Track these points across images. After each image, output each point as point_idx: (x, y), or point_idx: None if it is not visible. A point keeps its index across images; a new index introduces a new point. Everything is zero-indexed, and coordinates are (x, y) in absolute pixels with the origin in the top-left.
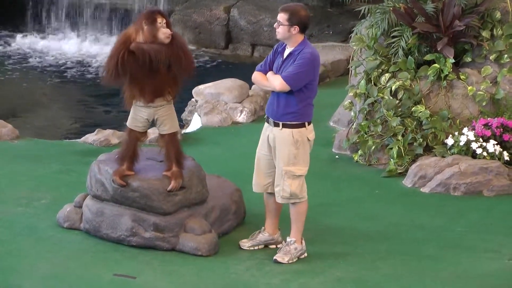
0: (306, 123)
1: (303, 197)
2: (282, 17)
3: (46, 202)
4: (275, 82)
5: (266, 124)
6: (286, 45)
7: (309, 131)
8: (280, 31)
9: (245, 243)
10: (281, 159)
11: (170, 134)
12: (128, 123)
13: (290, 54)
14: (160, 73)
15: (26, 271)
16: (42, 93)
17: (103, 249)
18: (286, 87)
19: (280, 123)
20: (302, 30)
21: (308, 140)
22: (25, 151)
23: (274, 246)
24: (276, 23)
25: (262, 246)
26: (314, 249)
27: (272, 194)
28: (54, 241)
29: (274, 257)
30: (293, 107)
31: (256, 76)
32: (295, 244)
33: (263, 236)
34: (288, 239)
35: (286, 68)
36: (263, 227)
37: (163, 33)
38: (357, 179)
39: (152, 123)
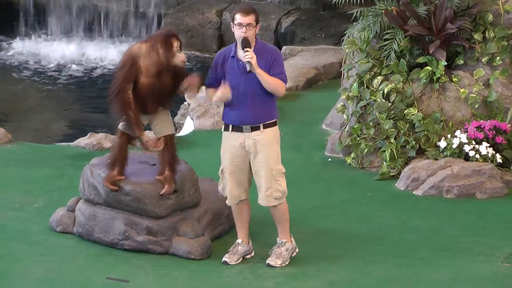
0: (276, 120)
1: (286, 194)
2: (251, 19)
3: (38, 206)
4: (281, 87)
5: (234, 134)
6: (234, 50)
7: (278, 127)
8: (249, 34)
9: (232, 259)
10: (270, 160)
11: (166, 137)
12: (120, 126)
13: (256, 53)
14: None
15: (19, 275)
16: (34, 97)
17: (96, 252)
18: (285, 90)
19: (261, 125)
20: None
21: (280, 135)
22: (18, 155)
23: (249, 256)
24: (245, 26)
25: (241, 259)
26: (307, 252)
27: (243, 201)
28: (47, 245)
29: (267, 261)
30: (271, 106)
31: (277, 82)
32: (286, 244)
33: (242, 248)
34: (278, 241)
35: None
36: (239, 240)
37: (179, 59)
38: (350, 182)
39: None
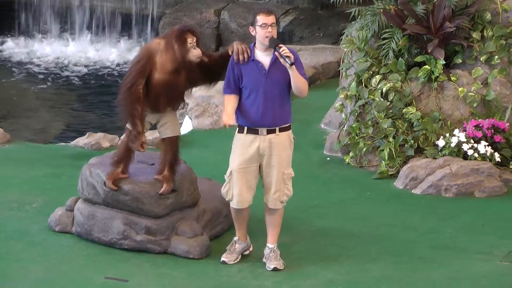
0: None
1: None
2: (274, 18)
3: (37, 206)
4: (307, 87)
5: (249, 136)
6: (252, 52)
7: (291, 131)
8: (274, 33)
9: (230, 258)
10: (282, 164)
11: (170, 138)
12: (128, 124)
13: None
14: (178, 90)
15: (18, 275)
16: (33, 97)
17: (95, 252)
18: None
19: (277, 129)
20: None
21: (294, 139)
22: (16, 155)
23: (247, 252)
24: (270, 25)
25: (240, 257)
26: (306, 251)
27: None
28: (45, 245)
29: (272, 266)
30: (287, 110)
31: (305, 81)
32: (277, 249)
33: (240, 245)
34: (271, 246)
35: (282, 68)
36: (236, 238)
37: (194, 55)
38: (348, 181)
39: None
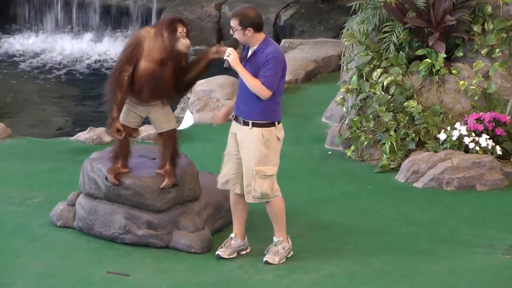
0: (276, 122)
1: (275, 195)
2: (234, 22)
3: (38, 201)
4: (261, 90)
5: (234, 122)
6: (248, 48)
7: (278, 130)
8: (237, 36)
9: (224, 252)
10: (251, 159)
11: (167, 132)
12: (120, 119)
13: (253, 53)
14: (163, 81)
15: (19, 270)
16: (33, 91)
17: (97, 247)
18: (269, 93)
19: (250, 122)
20: (257, 29)
21: (278, 139)
22: (17, 150)
23: (244, 252)
24: (231, 28)
25: (236, 254)
26: (307, 245)
27: (240, 195)
28: (47, 240)
29: (265, 259)
30: (263, 106)
31: (255, 83)
32: (282, 243)
33: (236, 242)
34: (275, 239)
35: (252, 69)
36: (233, 234)
37: (183, 44)
38: (350, 174)
39: (147, 120)
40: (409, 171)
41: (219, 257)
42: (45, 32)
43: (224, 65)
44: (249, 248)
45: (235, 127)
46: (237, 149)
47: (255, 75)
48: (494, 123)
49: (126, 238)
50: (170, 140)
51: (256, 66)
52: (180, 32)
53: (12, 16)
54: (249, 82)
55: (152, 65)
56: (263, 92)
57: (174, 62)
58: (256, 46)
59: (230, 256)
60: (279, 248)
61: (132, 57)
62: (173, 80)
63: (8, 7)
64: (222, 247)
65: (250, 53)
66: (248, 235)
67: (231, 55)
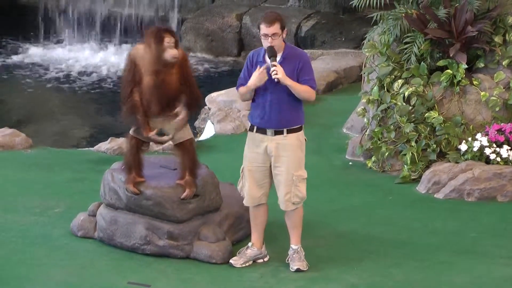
0: (302, 125)
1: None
2: (275, 28)
3: (59, 211)
4: (312, 94)
5: (258, 135)
6: (264, 53)
7: (303, 133)
8: (277, 42)
9: (237, 261)
10: (290, 165)
11: (183, 143)
12: (131, 131)
13: (282, 59)
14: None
15: (40, 280)
16: (55, 102)
17: (117, 257)
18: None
19: (285, 130)
20: None
21: (306, 140)
22: (39, 160)
23: (261, 261)
24: (271, 36)
25: (251, 262)
26: (328, 255)
27: (260, 206)
28: (68, 250)
29: (295, 267)
30: (297, 111)
31: (307, 90)
32: (301, 249)
33: (252, 251)
34: (294, 247)
35: (289, 76)
36: (250, 243)
37: (170, 54)
38: (371, 185)
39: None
40: (430, 182)
41: (231, 265)
42: (69, 42)
43: (276, 81)
44: (267, 257)
45: (262, 140)
46: (263, 161)
47: (293, 76)
48: None
49: (146, 249)
50: (187, 151)
51: (291, 72)
52: (168, 42)
53: (37, 25)
54: (301, 90)
55: (151, 77)
56: (313, 94)
57: (174, 71)
58: (282, 51)
59: (244, 265)
60: (301, 255)
61: (134, 77)
62: (180, 89)
63: (34, 17)
64: (237, 255)
65: (279, 59)
66: (267, 245)
67: (279, 71)
